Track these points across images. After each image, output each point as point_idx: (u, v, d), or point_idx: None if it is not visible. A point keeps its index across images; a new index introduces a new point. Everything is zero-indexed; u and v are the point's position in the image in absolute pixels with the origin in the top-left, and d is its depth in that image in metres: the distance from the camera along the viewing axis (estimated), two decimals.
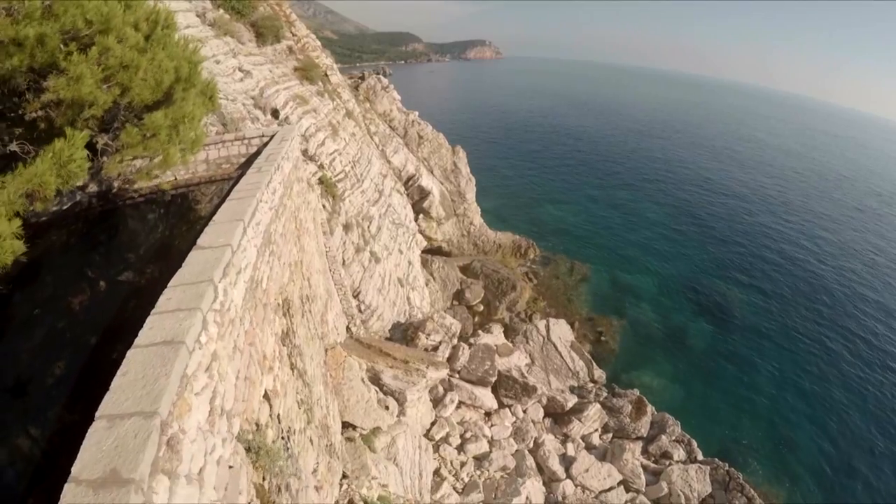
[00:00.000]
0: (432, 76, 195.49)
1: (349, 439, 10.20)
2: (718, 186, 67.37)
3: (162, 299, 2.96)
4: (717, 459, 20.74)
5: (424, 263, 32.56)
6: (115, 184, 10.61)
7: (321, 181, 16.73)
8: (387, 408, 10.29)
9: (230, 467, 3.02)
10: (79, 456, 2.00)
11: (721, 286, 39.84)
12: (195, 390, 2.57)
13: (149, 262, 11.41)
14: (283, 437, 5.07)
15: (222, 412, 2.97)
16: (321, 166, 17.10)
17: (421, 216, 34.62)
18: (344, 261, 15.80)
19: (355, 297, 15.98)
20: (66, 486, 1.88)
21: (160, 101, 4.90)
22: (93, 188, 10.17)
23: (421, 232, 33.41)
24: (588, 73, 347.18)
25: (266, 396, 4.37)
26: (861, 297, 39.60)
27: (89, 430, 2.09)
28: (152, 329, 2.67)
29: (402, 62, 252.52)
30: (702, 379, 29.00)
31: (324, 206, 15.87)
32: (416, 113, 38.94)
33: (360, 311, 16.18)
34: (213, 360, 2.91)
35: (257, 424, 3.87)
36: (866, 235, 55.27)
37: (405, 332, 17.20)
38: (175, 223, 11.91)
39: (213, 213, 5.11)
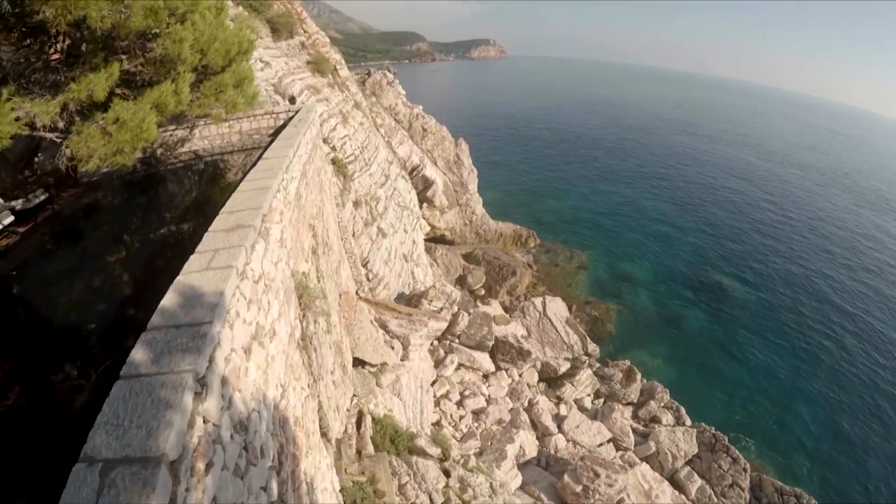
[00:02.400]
0: (436, 75, 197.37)
1: (358, 373, 11.80)
2: (717, 181, 68.42)
3: (250, 175, 4.57)
4: (703, 424, 22.06)
5: (428, 250, 34.10)
6: (158, 151, 12.43)
7: (333, 161, 18.36)
8: (392, 348, 11.85)
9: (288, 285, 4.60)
10: (211, 226, 3.54)
11: (717, 275, 40.99)
12: (275, 219, 4.17)
13: (184, 219, 13.14)
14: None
15: (286, 245, 4.57)
16: (333, 148, 18.75)
17: (425, 205, 36.27)
18: (354, 232, 17.43)
19: (364, 265, 17.60)
20: (205, 236, 3.39)
21: (225, 66, 6.53)
22: (137, 154, 11.93)
23: (425, 219, 35.06)
24: (592, 71, 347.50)
25: (304, 275, 5.97)
26: (850, 287, 40.67)
27: (215, 220, 3.66)
28: (248, 184, 4.28)
29: (407, 61, 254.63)
30: (694, 360, 30.22)
31: (335, 183, 17.49)
32: (421, 107, 40.63)
33: (367, 279, 17.78)
34: (281, 213, 4.51)
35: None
36: (860, 228, 56.13)
37: (409, 301, 18.78)
38: (207, 188, 13.62)
39: (262, 155, 6.72)
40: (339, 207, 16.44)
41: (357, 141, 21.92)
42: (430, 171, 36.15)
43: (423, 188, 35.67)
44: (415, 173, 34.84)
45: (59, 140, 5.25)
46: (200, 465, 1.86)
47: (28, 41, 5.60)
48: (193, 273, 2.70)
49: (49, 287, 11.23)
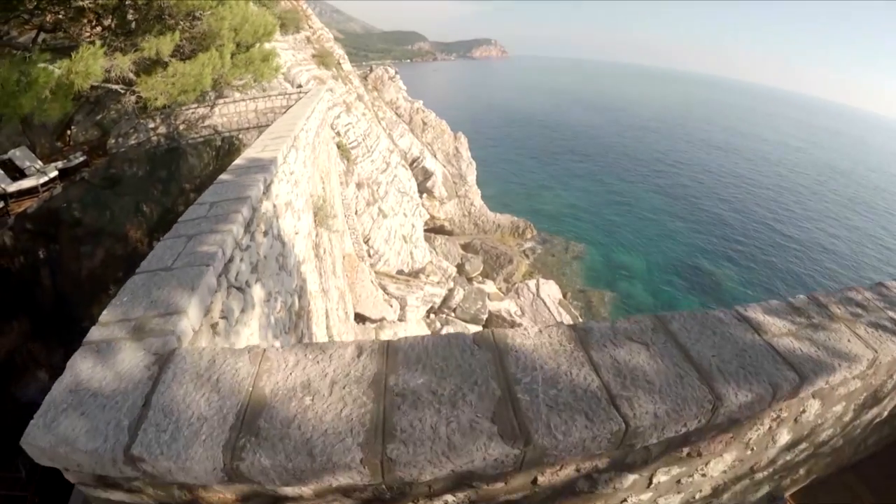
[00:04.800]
0: (438, 74, 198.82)
1: (360, 327, 13.12)
2: (714, 177, 69.50)
3: (279, 119, 5.91)
4: None
5: (427, 240, 35.33)
6: (181, 127, 13.82)
7: (338, 146, 19.71)
8: (391, 306, 13.16)
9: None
10: (260, 137, 4.91)
11: (711, 267, 42.06)
12: (300, 145, 5.51)
13: (202, 190, 14.44)
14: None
15: (307, 168, 5.91)
16: (338, 133, 20.09)
17: (425, 195, 37.59)
18: (356, 211, 18.76)
19: (365, 242, 18.93)
20: (255, 142, 4.74)
21: (253, 44, 7.89)
22: (162, 130, 13.39)
23: (424, 208, 36.41)
24: (593, 71, 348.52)
25: (319, 198, 7.29)
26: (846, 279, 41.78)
27: (262, 135, 5.02)
28: (280, 120, 5.63)
29: (408, 61, 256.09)
30: None
31: (339, 164, 18.84)
32: (421, 101, 41.99)
33: (369, 255, 19.12)
34: (302, 149, 5.85)
35: None
36: (860, 228, 57.17)
37: (408, 276, 20.10)
38: (224, 161, 14.97)
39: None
40: (343, 186, 17.78)
41: (360, 129, 23.26)
42: (430, 163, 37.48)
43: (423, 179, 36.96)
44: (415, 165, 36.14)
45: (122, 91, 6.63)
46: (262, 227, 3.19)
47: (63, 25, 7.05)
48: (251, 154, 4.04)
49: (76, 249, 12.53)
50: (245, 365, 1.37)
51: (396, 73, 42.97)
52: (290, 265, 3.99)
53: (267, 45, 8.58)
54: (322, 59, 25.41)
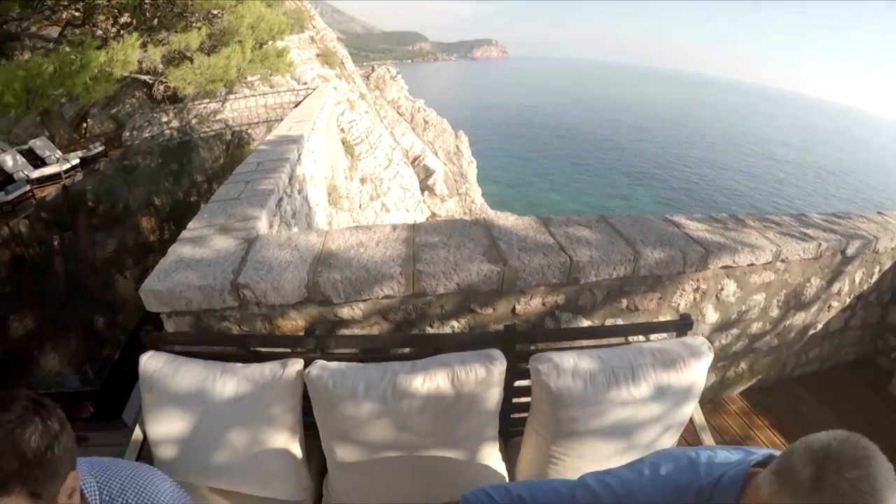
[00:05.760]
0: (439, 74, 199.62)
1: None
2: (714, 177, 70.02)
3: (297, 108, 6.53)
4: None
5: None
6: (193, 121, 14.45)
7: (342, 142, 20.33)
8: None
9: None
10: (284, 119, 5.53)
11: None
12: (318, 131, 6.12)
13: (212, 181, 14.99)
14: None
15: (323, 152, 6.52)
16: (342, 130, 20.72)
17: (426, 193, 38.20)
18: (360, 205, 19.37)
19: None
20: (280, 124, 5.37)
21: (268, 41, 8.52)
22: (175, 123, 14.02)
23: (425, 205, 37.04)
24: (593, 71, 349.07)
25: (332, 179, 7.90)
26: None
27: (286, 118, 5.64)
28: (299, 108, 6.24)
29: (409, 61, 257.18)
30: None
31: (344, 159, 19.46)
32: (423, 100, 42.62)
33: None
34: (319, 133, 6.46)
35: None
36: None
37: None
38: (234, 154, 15.58)
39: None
40: (347, 181, 18.40)
41: (363, 126, 23.91)
42: (431, 161, 38.08)
43: (424, 177, 37.54)
44: (416, 163, 36.73)
45: (151, 81, 7.26)
46: (298, 186, 3.80)
47: (90, 21, 7.68)
48: (280, 132, 4.66)
49: (90, 238, 13.11)
50: (314, 237, 1.97)
51: (398, 72, 43.62)
52: (314, 226, 4.59)
53: (280, 43, 9.22)
54: (326, 58, 26.08)
